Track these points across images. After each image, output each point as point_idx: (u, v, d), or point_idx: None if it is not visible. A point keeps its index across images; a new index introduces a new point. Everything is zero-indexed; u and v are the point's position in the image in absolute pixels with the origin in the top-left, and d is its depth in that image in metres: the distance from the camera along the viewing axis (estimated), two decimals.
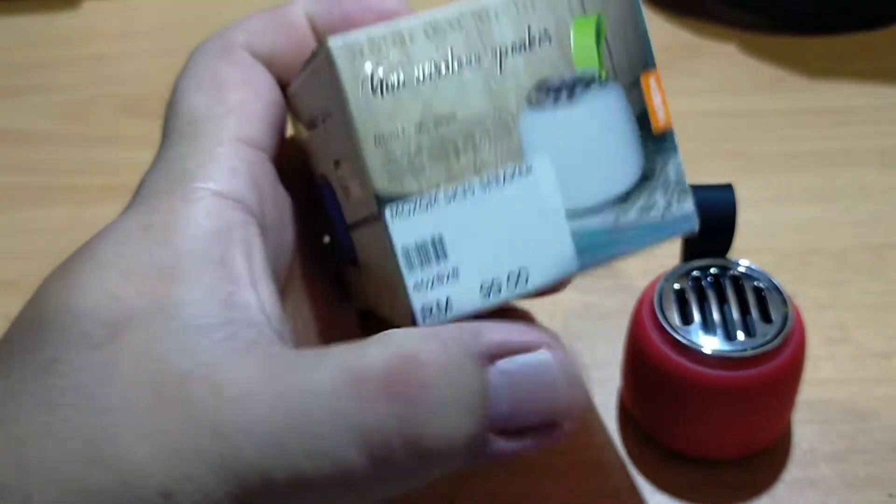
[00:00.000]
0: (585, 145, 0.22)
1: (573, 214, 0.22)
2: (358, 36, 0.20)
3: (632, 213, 0.22)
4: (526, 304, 0.25)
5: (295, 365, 0.19)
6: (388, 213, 0.20)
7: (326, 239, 0.27)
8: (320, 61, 0.20)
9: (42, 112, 0.47)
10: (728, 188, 0.29)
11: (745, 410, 0.27)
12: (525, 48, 0.21)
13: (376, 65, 0.20)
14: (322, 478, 0.18)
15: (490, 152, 0.21)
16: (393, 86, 0.20)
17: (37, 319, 0.19)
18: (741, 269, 0.29)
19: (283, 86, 0.24)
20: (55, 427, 0.18)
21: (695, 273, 0.29)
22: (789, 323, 0.27)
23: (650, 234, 0.22)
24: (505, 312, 0.24)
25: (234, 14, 0.25)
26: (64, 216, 0.41)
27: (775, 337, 0.27)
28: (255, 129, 0.22)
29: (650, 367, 0.28)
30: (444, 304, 0.21)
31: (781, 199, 0.40)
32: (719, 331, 0.27)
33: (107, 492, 0.17)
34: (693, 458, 0.29)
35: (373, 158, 0.20)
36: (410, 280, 0.20)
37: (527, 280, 0.21)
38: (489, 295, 0.21)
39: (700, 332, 0.27)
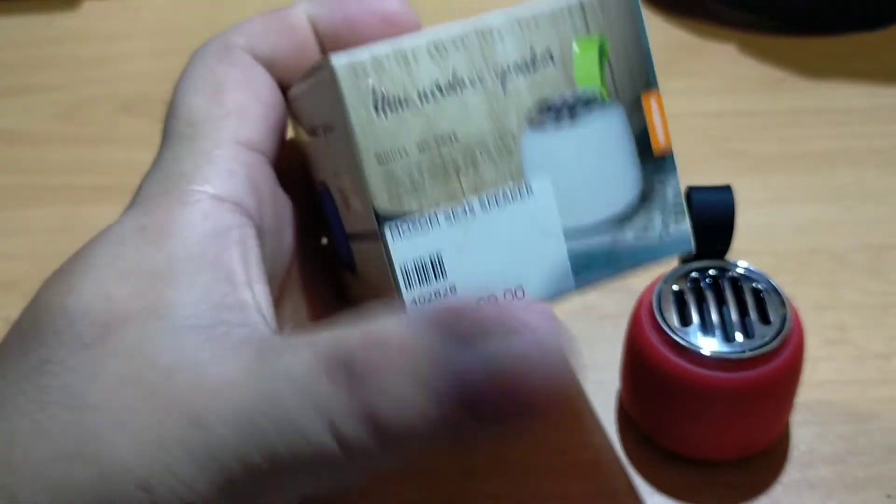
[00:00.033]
0: (585, 165, 0.22)
1: (571, 233, 0.22)
2: (362, 55, 0.20)
3: (629, 233, 0.22)
4: None
5: (276, 351, 0.19)
6: (388, 231, 0.20)
7: (325, 240, 0.27)
8: (324, 77, 0.20)
9: (41, 112, 0.47)
10: (727, 189, 0.29)
11: (743, 412, 0.27)
12: (528, 68, 0.21)
13: (379, 84, 0.20)
14: (299, 461, 0.18)
15: (491, 172, 0.21)
16: (396, 105, 0.20)
17: (33, 322, 0.19)
18: (740, 271, 0.29)
19: (284, 88, 0.24)
20: (43, 426, 0.18)
21: (693, 274, 0.29)
22: (788, 324, 0.27)
23: (647, 254, 0.23)
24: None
25: (233, 15, 0.25)
26: (63, 216, 0.41)
27: (774, 338, 0.27)
28: (254, 131, 0.22)
29: (649, 369, 0.28)
30: None
31: (781, 200, 0.40)
32: (718, 332, 0.27)
33: (87, 487, 0.17)
34: (692, 459, 0.29)
35: (374, 177, 0.20)
36: (408, 297, 0.20)
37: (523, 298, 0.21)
38: None
39: (699, 334, 0.27)
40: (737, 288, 0.28)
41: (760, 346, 0.27)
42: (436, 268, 0.21)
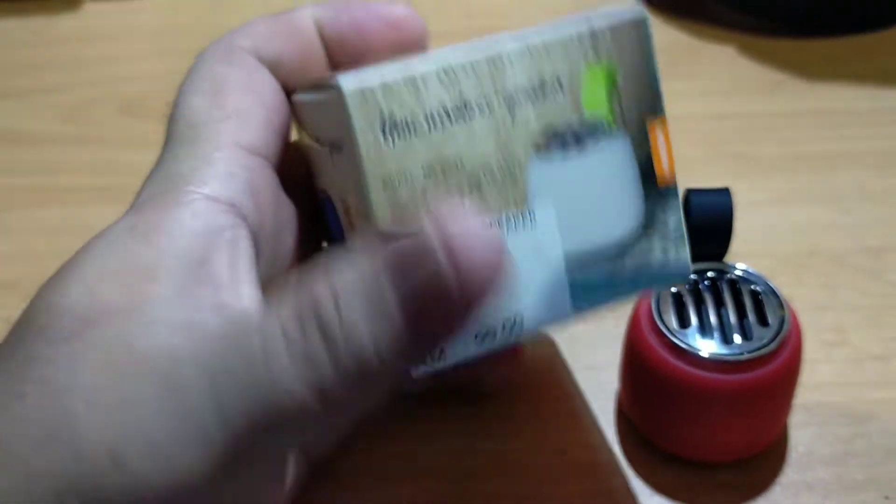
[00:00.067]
0: (589, 193, 0.22)
1: (571, 260, 0.22)
2: (371, 80, 0.20)
3: (629, 261, 0.22)
4: None
5: (247, 315, 0.19)
6: None
7: (325, 245, 0.27)
8: (332, 98, 0.20)
9: (43, 113, 0.47)
10: (725, 192, 0.29)
11: (742, 413, 0.27)
12: (537, 95, 0.21)
13: (388, 110, 0.20)
14: (276, 416, 0.18)
15: (495, 198, 0.21)
16: (404, 131, 0.20)
17: (25, 321, 0.20)
18: (738, 273, 0.29)
19: (289, 91, 0.24)
20: (21, 417, 0.18)
21: (692, 277, 0.29)
22: (786, 326, 0.27)
23: (645, 282, 0.23)
24: None
25: (235, 16, 0.25)
26: (63, 217, 0.41)
27: (772, 340, 0.27)
28: (256, 134, 0.22)
29: (648, 371, 0.28)
30: (437, 353, 0.21)
31: (780, 202, 0.40)
32: (716, 334, 0.27)
33: (61, 468, 0.18)
34: (690, 460, 0.29)
35: (379, 201, 0.20)
36: None
37: (522, 326, 0.22)
38: (483, 342, 0.21)
39: (697, 336, 0.27)
40: (735, 290, 0.28)
41: (759, 348, 0.27)
42: None
